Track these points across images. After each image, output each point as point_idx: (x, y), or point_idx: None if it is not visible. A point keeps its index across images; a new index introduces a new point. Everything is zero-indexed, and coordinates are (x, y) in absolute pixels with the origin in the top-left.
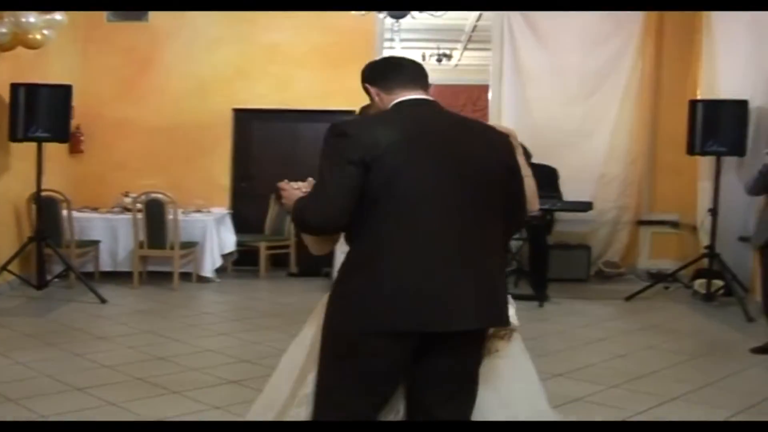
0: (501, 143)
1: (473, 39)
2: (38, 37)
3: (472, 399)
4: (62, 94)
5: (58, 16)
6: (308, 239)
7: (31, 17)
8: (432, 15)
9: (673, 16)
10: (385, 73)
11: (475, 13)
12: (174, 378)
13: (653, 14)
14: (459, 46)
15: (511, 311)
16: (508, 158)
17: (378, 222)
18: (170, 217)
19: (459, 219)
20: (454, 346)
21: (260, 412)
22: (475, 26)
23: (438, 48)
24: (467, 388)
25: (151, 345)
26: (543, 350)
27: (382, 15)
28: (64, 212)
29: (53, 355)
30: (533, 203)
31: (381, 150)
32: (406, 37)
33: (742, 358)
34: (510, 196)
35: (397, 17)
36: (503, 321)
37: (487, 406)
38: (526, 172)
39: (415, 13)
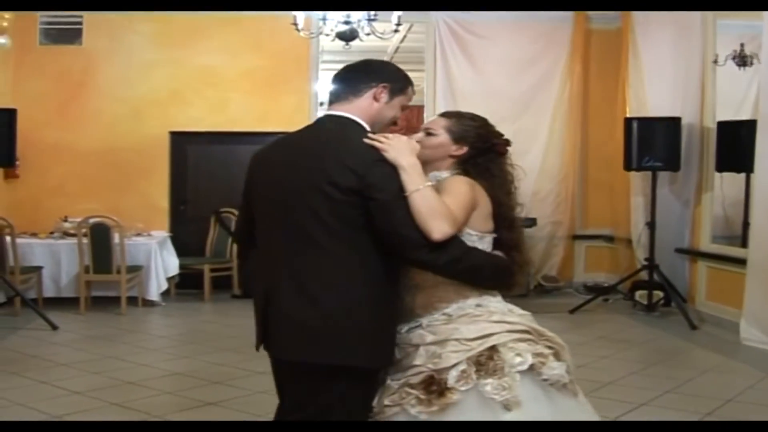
0: (349, 162)
1: (395, 60)
2: None
3: None
4: (6, 118)
5: (1, 39)
6: None
7: None
8: (381, 37)
9: (599, 37)
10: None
11: (399, 35)
12: (152, 402)
13: (580, 36)
14: None
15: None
16: (349, 180)
17: None
18: (116, 241)
19: (279, 244)
20: (284, 377)
21: None
22: (397, 48)
23: None
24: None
25: (118, 370)
26: None
27: (330, 38)
28: (7, 238)
29: (18, 383)
30: (428, 227)
31: (250, 174)
32: (328, 59)
33: (694, 365)
34: (369, 219)
35: (347, 40)
36: (317, 355)
37: None
38: (413, 188)
39: (362, 35)
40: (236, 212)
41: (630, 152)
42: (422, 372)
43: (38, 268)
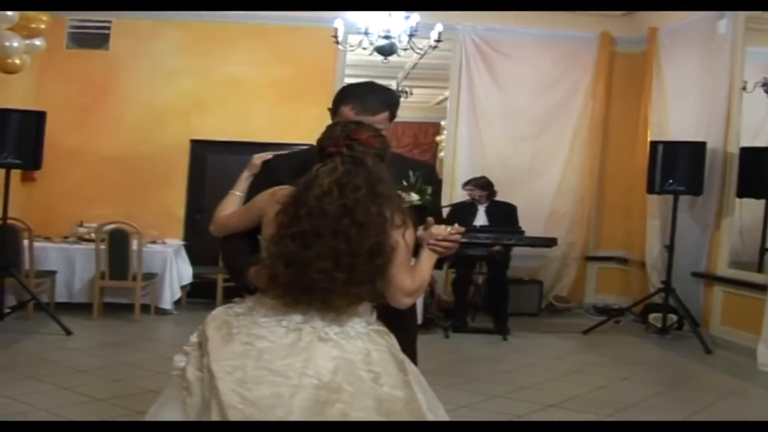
0: None
1: (411, 76)
2: (17, 61)
3: None
4: (35, 120)
5: (37, 41)
6: None
7: (15, 41)
8: (419, 53)
9: (623, 60)
10: None
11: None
12: None
13: (604, 58)
14: (393, 82)
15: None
16: None
17: None
18: (134, 248)
19: None
20: None
21: None
22: (415, 64)
23: (399, 86)
24: None
25: (138, 378)
26: (526, 382)
27: (368, 51)
28: (25, 242)
29: (38, 388)
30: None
31: None
32: (348, 72)
33: (713, 388)
34: None
35: (386, 54)
36: None
37: None
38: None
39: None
40: None
41: (653, 175)
42: None
43: (52, 273)
